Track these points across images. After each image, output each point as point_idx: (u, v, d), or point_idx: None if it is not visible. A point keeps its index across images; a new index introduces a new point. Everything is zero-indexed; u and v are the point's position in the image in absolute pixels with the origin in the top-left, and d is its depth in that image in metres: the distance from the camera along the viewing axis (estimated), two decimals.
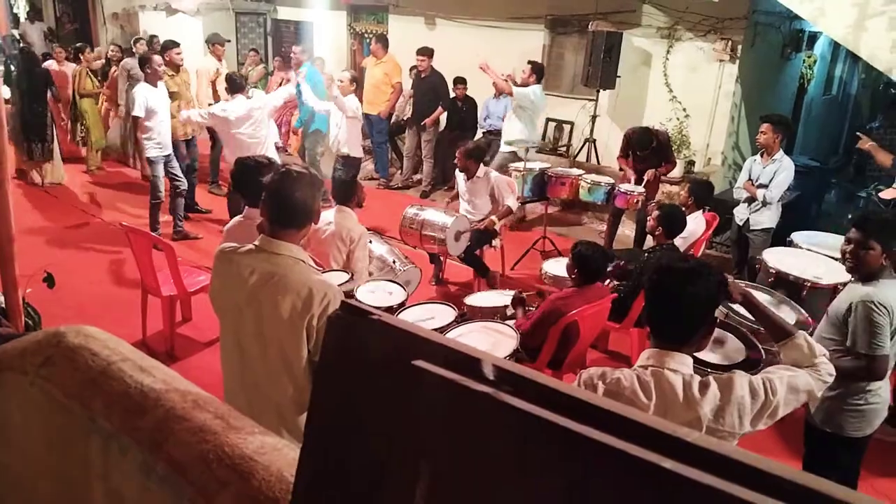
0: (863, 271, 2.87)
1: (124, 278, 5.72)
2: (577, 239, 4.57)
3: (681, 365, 1.89)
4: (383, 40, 8.99)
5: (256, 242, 2.23)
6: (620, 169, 6.80)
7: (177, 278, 4.49)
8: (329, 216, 4.39)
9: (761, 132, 5.41)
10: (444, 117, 8.93)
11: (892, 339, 2.77)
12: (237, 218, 3.46)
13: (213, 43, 8.47)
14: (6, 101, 7.97)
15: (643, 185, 6.31)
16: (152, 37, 9.09)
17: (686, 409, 1.84)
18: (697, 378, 1.89)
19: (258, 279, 2.16)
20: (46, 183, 8.43)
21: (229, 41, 8.58)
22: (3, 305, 2.68)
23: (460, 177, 5.93)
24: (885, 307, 2.72)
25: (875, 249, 2.79)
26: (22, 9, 15.11)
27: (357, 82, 7.01)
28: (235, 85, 6.46)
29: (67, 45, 9.99)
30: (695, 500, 0.48)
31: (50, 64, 9.08)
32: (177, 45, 7.25)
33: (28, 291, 2.99)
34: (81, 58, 9.02)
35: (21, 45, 10.27)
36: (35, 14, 14.44)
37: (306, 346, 2.16)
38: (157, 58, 6.57)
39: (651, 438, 0.51)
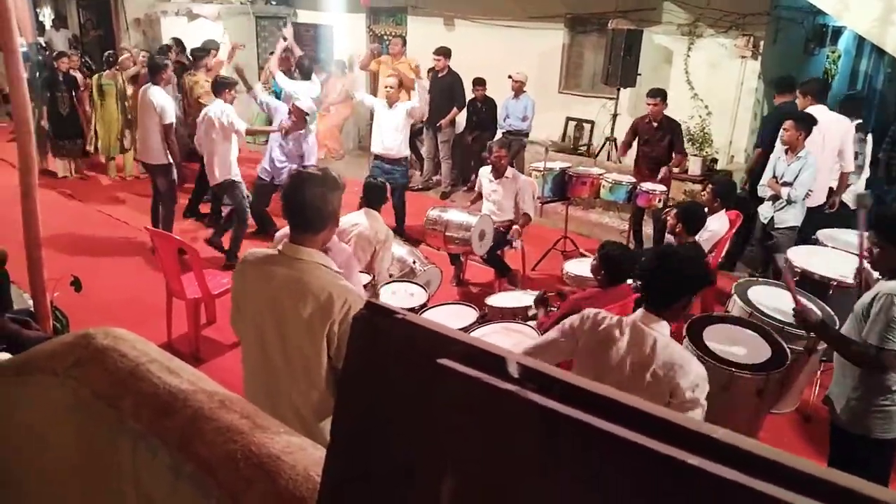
0: (883, 269, 2.86)
1: (150, 282, 5.79)
2: (599, 239, 4.55)
3: (660, 327, 2.40)
4: (402, 40, 9.08)
5: (280, 248, 2.24)
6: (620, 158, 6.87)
7: (201, 281, 4.54)
8: (356, 218, 4.41)
9: (784, 129, 5.32)
10: (463, 118, 8.93)
11: None
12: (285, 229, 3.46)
13: (209, 49, 8.53)
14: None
15: (658, 180, 6.31)
16: (175, 40, 9.16)
17: (644, 356, 2.35)
18: (666, 341, 2.37)
19: (279, 284, 2.17)
20: (75, 176, 8.70)
21: (223, 43, 8.60)
22: (33, 309, 2.73)
23: (485, 177, 5.91)
24: None
25: (887, 249, 2.77)
26: (47, 17, 15.38)
27: (402, 86, 6.91)
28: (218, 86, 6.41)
29: (92, 52, 10.15)
30: (722, 497, 0.47)
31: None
32: (210, 51, 7.59)
33: (56, 295, 3.04)
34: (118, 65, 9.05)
35: (42, 54, 10.47)
36: (60, 22, 14.68)
37: (327, 351, 2.15)
38: (169, 64, 6.72)
39: (677, 435, 0.50)
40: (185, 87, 7.83)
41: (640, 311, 2.47)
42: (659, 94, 6.46)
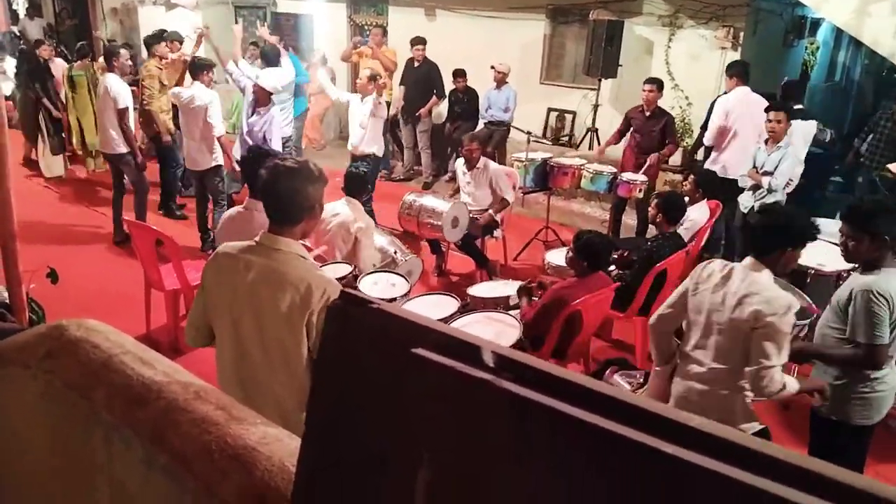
0: (857, 261, 2.89)
1: (127, 273, 5.72)
2: (581, 229, 4.57)
3: (760, 272, 2.67)
4: (383, 30, 9.03)
5: (257, 239, 2.22)
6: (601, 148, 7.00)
7: (180, 272, 4.49)
8: (336, 207, 4.39)
9: (776, 121, 5.32)
10: (444, 109, 8.91)
11: (893, 329, 2.76)
12: (237, 207, 3.44)
13: (172, 40, 8.37)
14: (6, 98, 7.98)
15: (644, 170, 6.34)
16: (161, 31, 8.98)
17: (738, 288, 2.67)
18: (757, 277, 2.66)
19: (256, 275, 2.14)
20: (48, 177, 8.47)
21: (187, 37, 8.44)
22: (7, 301, 2.68)
23: (460, 168, 5.94)
24: (884, 297, 2.70)
25: (863, 240, 2.79)
26: (21, 5, 15.09)
27: (376, 79, 6.65)
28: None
29: (67, 41, 9.93)
30: (698, 484, 0.47)
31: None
32: (163, 38, 7.46)
33: (32, 287, 3.00)
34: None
35: (21, 45, 10.26)
36: (34, 10, 14.41)
37: (306, 342, 2.13)
38: (124, 52, 6.58)
39: (653, 423, 0.50)
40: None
41: (747, 258, 2.75)
42: (655, 82, 6.49)
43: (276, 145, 6.27)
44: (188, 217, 7.17)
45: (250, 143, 6.19)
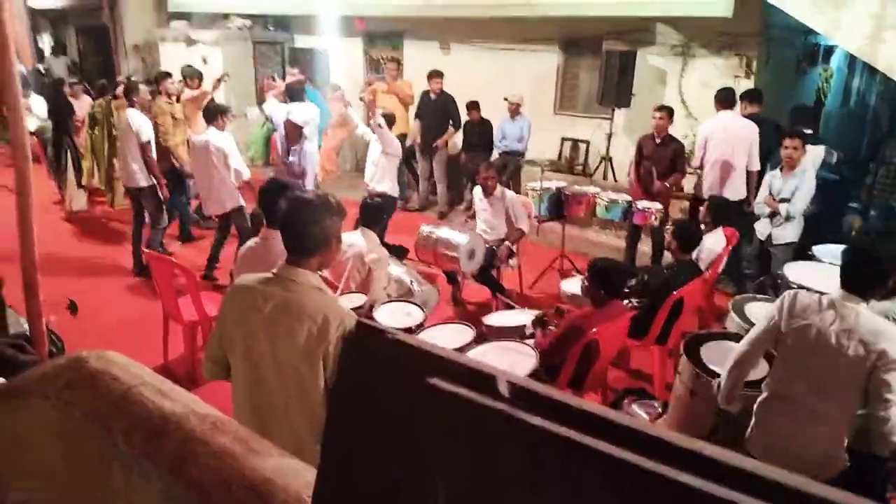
0: None
1: (146, 305, 5.78)
2: (595, 257, 4.56)
3: (859, 305, 2.60)
4: (398, 62, 9.18)
5: (275, 271, 2.24)
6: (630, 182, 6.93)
7: (198, 304, 4.53)
8: (352, 238, 4.42)
9: (793, 148, 5.32)
10: (459, 140, 8.98)
11: None
12: (254, 239, 3.48)
13: (192, 77, 8.54)
14: (31, 134, 8.16)
15: (653, 196, 6.39)
16: (165, 72, 9.18)
17: (849, 326, 2.55)
18: (869, 314, 2.59)
19: (274, 307, 2.15)
20: (69, 209, 8.61)
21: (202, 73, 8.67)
22: (28, 333, 2.71)
23: (477, 197, 5.97)
24: None
25: None
26: (47, 43, 15.49)
27: (391, 121, 6.70)
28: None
29: (91, 78, 10.14)
30: None
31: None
32: (170, 75, 7.70)
33: (52, 319, 3.02)
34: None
35: (46, 78, 10.51)
36: (59, 48, 14.79)
37: (323, 374, 2.13)
38: (143, 87, 6.79)
39: (669, 453, 0.50)
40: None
41: (838, 290, 2.66)
42: (665, 109, 6.53)
43: (310, 179, 6.36)
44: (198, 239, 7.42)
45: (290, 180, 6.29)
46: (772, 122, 6.60)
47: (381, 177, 6.67)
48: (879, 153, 7.32)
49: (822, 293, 4.17)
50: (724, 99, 6.42)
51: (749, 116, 6.42)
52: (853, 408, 2.68)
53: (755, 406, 2.85)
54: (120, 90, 8.52)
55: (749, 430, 2.88)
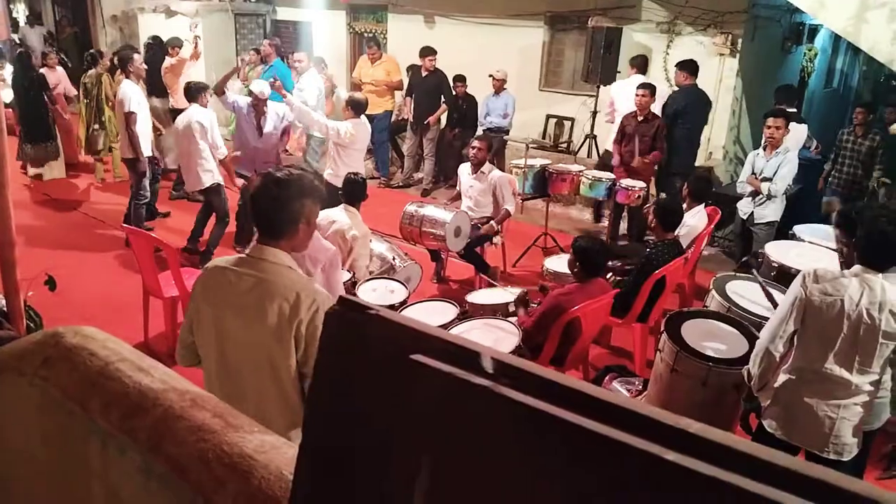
0: (852, 266, 2.89)
1: (126, 280, 5.72)
2: (577, 235, 4.57)
3: (879, 277, 2.61)
4: (376, 42, 9.07)
5: (247, 251, 2.19)
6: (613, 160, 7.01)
7: (178, 280, 4.48)
8: (333, 214, 4.39)
9: (775, 127, 5.32)
10: (444, 116, 8.92)
11: None
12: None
13: (172, 45, 8.43)
14: (6, 105, 7.99)
15: (629, 168, 6.55)
16: (154, 38, 9.02)
17: (877, 298, 2.57)
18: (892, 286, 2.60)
19: (245, 285, 2.10)
20: (46, 179, 8.51)
21: (187, 40, 8.56)
22: (5, 309, 2.67)
23: (464, 173, 5.92)
24: None
25: (850, 246, 2.82)
26: (22, 13, 15.13)
27: (363, 107, 6.17)
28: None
29: (67, 49, 9.94)
30: (698, 491, 0.47)
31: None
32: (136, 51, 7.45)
33: (30, 294, 2.98)
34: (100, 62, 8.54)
35: (19, 49, 10.27)
36: (35, 18, 14.45)
37: (294, 354, 2.08)
38: (137, 57, 6.64)
39: (653, 429, 0.50)
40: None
41: (857, 266, 2.66)
42: (648, 87, 6.51)
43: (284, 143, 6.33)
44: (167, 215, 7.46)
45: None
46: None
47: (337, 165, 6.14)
48: (834, 145, 7.36)
49: (800, 271, 4.23)
50: (638, 63, 7.44)
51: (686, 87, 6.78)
52: (883, 379, 2.71)
53: (776, 387, 2.82)
54: (106, 61, 8.40)
55: (769, 409, 2.85)
